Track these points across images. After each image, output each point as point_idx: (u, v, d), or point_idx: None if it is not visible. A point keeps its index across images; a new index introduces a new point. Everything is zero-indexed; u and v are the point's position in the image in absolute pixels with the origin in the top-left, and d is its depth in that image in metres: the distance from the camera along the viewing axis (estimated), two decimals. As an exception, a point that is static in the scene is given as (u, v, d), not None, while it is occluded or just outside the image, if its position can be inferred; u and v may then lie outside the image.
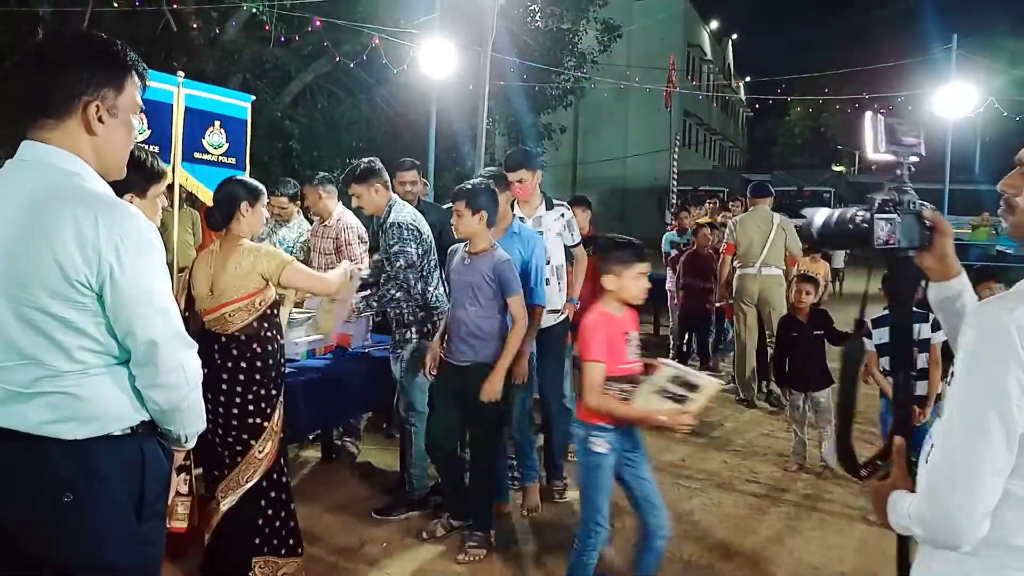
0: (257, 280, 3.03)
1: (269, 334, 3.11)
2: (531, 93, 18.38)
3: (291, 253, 4.99)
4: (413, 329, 3.96)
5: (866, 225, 1.56)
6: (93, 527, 1.61)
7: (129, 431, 1.66)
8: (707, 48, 39.76)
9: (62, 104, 1.62)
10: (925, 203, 1.59)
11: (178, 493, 3.06)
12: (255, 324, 3.05)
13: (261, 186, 3.22)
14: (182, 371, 1.68)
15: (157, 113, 4.57)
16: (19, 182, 1.60)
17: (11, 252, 1.55)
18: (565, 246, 4.40)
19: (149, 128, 4.54)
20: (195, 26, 12.59)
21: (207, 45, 12.83)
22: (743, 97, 44.45)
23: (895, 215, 1.56)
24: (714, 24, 41.46)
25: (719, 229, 7.69)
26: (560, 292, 4.28)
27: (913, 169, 1.62)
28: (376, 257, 4.37)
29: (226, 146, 4.98)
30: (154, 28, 11.98)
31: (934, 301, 1.68)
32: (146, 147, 2.60)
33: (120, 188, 2.37)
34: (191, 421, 1.77)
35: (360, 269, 3.85)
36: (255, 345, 3.06)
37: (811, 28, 61.94)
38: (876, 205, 1.56)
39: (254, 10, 12.48)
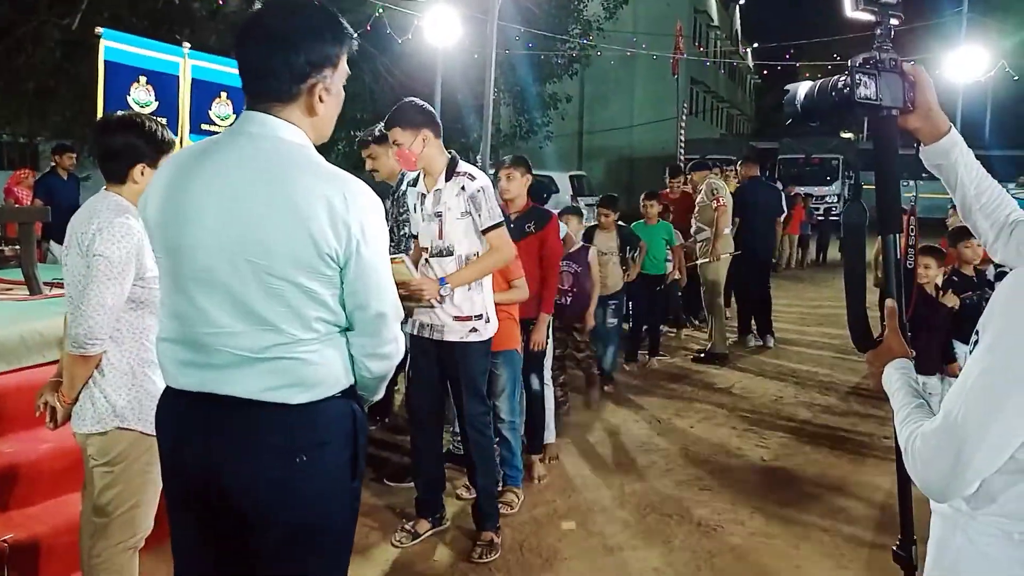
0: None
1: None
2: (536, 62, 18.16)
3: None
4: None
5: (847, 89, 1.53)
6: (321, 487, 1.66)
7: (340, 394, 1.70)
8: (714, 14, 39.20)
9: (290, 91, 1.62)
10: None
11: None
12: None
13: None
14: (396, 343, 1.74)
15: (164, 84, 4.57)
16: (253, 155, 1.59)
17: (257, 222, 1.54)
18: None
19: (156, 100, 4.55)
20: (197, -3, 12.46)
21: (209, 17, 12.68)
22: (751, 64, 43.92)
23: (876, 72, 1.53)
24: (721, -11, 40.91)
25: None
26: (469, 291, 3.31)
27: (893, 32, 1.57)
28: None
29: (233, 117, 4.98)
30: (156, 0, 11.86)
31: (930, 164, 1.61)
32: (155, 117, 2.58)
33: (131, 158, 2.37)
34: (383, 389, 1.83)
35: None
36: None
37: (820, -8, 60.89)
38: (858, 63, 1.53)
39: (256, -19, 12.34)
